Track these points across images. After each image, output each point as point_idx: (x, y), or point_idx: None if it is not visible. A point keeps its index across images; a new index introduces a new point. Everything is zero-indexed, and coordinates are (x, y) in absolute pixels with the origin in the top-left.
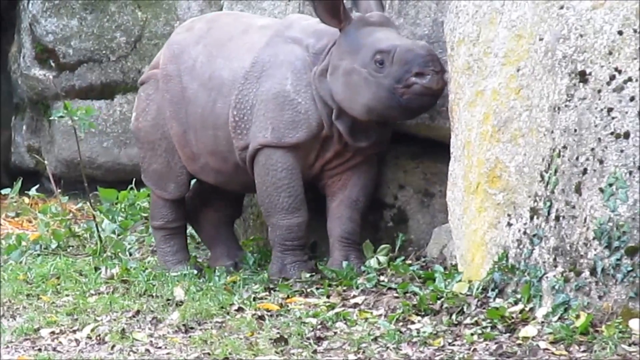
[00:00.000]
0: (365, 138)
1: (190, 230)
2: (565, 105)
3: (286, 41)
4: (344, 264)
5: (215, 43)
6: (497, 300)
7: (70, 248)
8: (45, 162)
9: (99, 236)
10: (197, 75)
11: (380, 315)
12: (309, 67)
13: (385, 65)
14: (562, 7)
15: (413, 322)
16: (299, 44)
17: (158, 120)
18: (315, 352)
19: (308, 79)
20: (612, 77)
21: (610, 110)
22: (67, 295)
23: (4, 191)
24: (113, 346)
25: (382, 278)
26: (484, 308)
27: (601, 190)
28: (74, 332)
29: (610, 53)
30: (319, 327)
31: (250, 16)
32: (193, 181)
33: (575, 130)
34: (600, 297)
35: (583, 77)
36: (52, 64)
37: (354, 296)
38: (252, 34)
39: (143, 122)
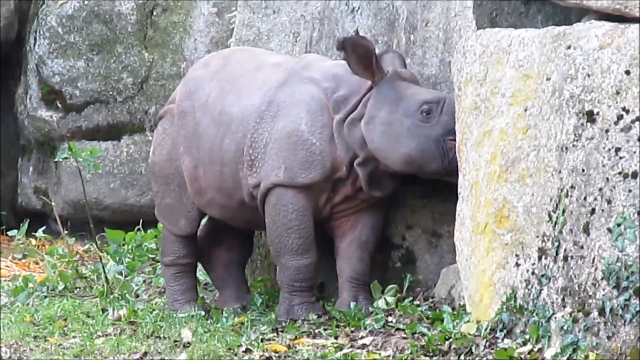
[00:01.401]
0: (379, 189)
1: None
2: (573, 145)
3: (303, 81)
4: (352, 305)
5: (228, 79)
6: (506, 340)
7: (78, 290)
8: (52, 203)
9: (106, 278)
10: (209, 110)
11: (389, 356)
12: (325, 109)
13: (433, 114)
14: (569, 47)
15: None
16: (316, 85)
17: (172, 155)
18: None
19: (324, 120)
20: (620, 117)
21: (618, 150)
22: (74, 337)
23: (10, 233)
24: None
25: (390, 319)
26: (492, 349)
27: (609, 230)
28: None
29: (617, 93)
30: None
31: (264, 53)
32: (205, 219)
33: (583, 170)
34: (609, 338)
35: (590, 116)
36: (59, 105)
37: (362, 337)
38: (264, 71)
39: (158, 157)
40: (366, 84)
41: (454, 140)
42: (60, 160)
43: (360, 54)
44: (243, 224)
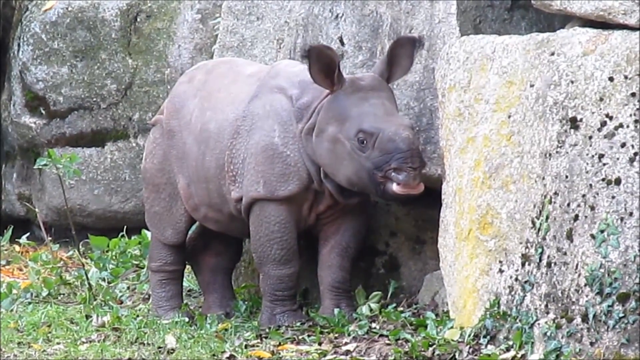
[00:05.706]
0: (355, 195)
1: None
2: (557, 152)
3: (272, 91)
4: (336, 311)
5: (207, 95)
6: (489, 347)
7: (61, 296)
8: (36, 209)
9: (89, 284)
10: (192, 129)
11: None
12: (294, 118)
13: (367, 145)
14: (552, 54)
15: None
16: (284, 94)
17: (164, 166)
18: None
19: (295, 131)
20: (603, 124)
21: (601, 156)
22: (58, 344)
23: None
24: None
25: (373, 325)
26: (475, 355)
27: (592, 236)
28: None
29: (601, 99)
30: None
31: (244, 64)
32: (192, 228)
33: (567, 177)
34: (592, 344)
35: (574, 123)
36: (43, 112)
37: (346, 343)
38: (238, 84)
39: (150, 164)
40: (326, 91)
41: (382, 177)
42: (41, 167)
43: (323, 63)
44: (239, 235)
